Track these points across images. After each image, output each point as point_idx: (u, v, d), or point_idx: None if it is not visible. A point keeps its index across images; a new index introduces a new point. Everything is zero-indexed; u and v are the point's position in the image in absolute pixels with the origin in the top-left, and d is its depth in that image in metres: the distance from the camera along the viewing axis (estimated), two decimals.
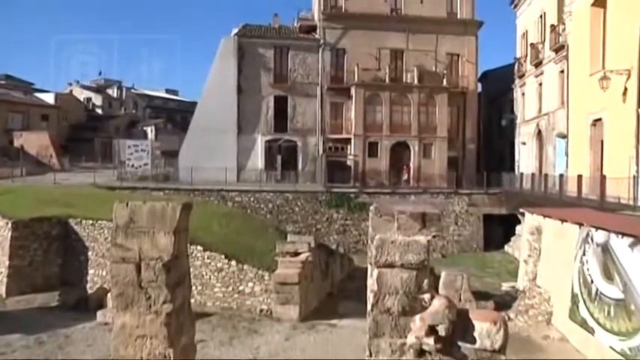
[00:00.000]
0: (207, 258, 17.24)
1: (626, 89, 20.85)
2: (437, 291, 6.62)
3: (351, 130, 38.53)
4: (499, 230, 33.75)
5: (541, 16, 33.48)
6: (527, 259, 18.38)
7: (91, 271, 19.46)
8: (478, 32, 41.40)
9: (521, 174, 33.92)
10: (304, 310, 15.40)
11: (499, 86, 43.74)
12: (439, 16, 40.59)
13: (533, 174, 31.68)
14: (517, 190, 32.53)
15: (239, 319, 14.94)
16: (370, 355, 5.20)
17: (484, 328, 4.88)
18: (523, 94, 37.34)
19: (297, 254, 16.73)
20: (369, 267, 5.71)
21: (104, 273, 18.47)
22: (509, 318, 14.73)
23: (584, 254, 13.52)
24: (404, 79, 39.72)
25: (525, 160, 36.39)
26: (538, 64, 33.42)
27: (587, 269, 13.20)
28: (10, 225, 18.89)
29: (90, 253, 19.68)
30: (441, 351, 4.88)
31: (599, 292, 12.50)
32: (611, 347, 11.73)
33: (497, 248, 33.05)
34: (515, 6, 38.62)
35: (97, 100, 73.06)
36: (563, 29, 28.52)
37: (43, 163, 43.62)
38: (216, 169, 33.27)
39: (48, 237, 19.82)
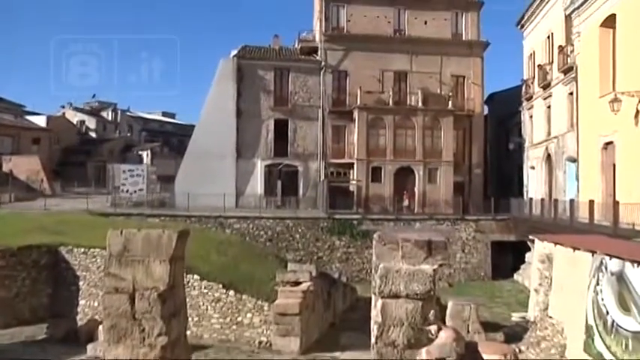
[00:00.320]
0: (205, 287, 17.16)
1: (637, 111, 20.93)
2: (444, 322, 6.58)
3: (353, 155, 38.62)
4: (508, 258, 33.56)
5: (548, 37, 33.77)
6: (538, 288, 18.23)
7: (81, 302, 19.35)
8: (484, 53, 41.80)
9: (530, 199, 33.85)
10: (305, 342, 15.27)
11: (506, 109, 43.94)
12: (444, 37, 41.05)
13: (542, 199, 31.63)
14: (526, 216, 32.43)
15: (237, 352, 14.82)
16: None
17: None
18: (531, 116, 37.47)
19: (297, 283, 16.65)
20: (372, 297, 5.68)
21: (96, 304, 18.35)
22: (520, 351, 14.57)
23: (597, 283, 13.40)
24: (408, 102, 39.93)
25: (534, 185, 36.36)
26: (546, 86, 33.61)
27: (602, 299, 13.08)
28: None
29: (81, 283, 19.60)
30: None
31: (615, 324, 12.34)
32: None
33: (506, 276, 32.82)
34: (522, 26, 39.01)
35: (91, 123, 73.46)
36: (572, 50, 28.75)
37: (34, 188, 43.60)
38: (214, 194, 33.18)
39: (36, 266, 19.72)
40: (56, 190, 45.46)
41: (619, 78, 23.08)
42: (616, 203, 20.35)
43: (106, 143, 68.18)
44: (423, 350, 4.98)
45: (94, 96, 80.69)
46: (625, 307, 12.01)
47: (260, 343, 15.92)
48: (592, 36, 25.59)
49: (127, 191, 36.98)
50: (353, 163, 38.55)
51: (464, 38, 41.66)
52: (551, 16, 33.14)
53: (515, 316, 21.21)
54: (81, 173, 54.60)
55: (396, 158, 38.20)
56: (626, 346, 11.82)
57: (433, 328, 5.07)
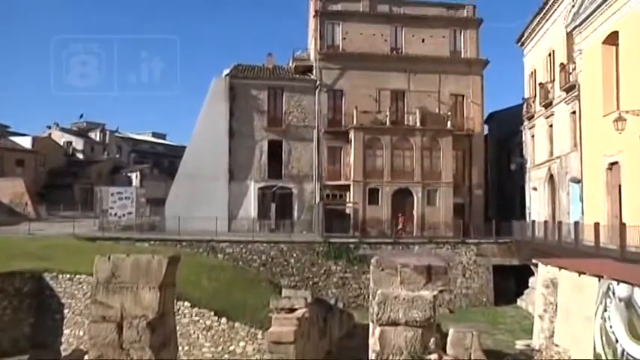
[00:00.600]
0: (196, 315, 17.04)
1: None
2: (444, 350, 6.54)
3: (349, 176, 38.67)
4: (511, 282, 33.45)
5: (550, 55, 34.12)
6: (543, 314, 18.14)
7: (66, 331, 19.16)
8: (483, 71, 42.11)
9: (533, 221, 33.85)
10: None
11: (507, 128, 44.21)
12: (442, 55, 41.41)
13: (545, 221, 31.63)
14: (529, 238, 32.40)
15: None
16: None
17: None
18: (533, 136, 37.69)
19: (292, 310, 16.51)
20: (370, 324, 5.65)
21: (81, 333, 18.18)
22: None
23: (605, 310, 13.34)
24: (405, 122, 40.13)
25: (537, 207, 36.42)
26: (548, 105, 33.86)
27: (610, 327, 13.00)
28: None
29: (66, 311, 19.42)
30: None
31: (625, 353, 12.22)
32: None
33: (509, 302, 32.68)
34: (522, 44, 39.43)
35: (78, 144, 73.43)
36: (574, 68, 29.03)
37: (17, 212, 43.44)
38: (206, 218, 33.06)
39: (19, 294, 19.53)
40: (41, 214, 45.28)
41: (623, 96, 23.29)
42: (622, 225, 20.36)
43: (93, 165, 68.12)
44: None
45: (81, 116, 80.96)
46: (635, 335, 11.89)
47: None
48: (594, 53, 25.88)
49: (116, 215, 36.84)
50: (349, 185, 38.57)
51: (463, 56, 42.01)
52: (552, 33, 33.53)
53: (520, 344, 21.05)
54: (67, 196, 54.41)
55: (393, 180, 38.24)
56: None
57: (434, 357, 5.04)
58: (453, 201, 38.61)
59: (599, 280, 13.83)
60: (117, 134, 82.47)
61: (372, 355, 5.27)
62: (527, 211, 38.24)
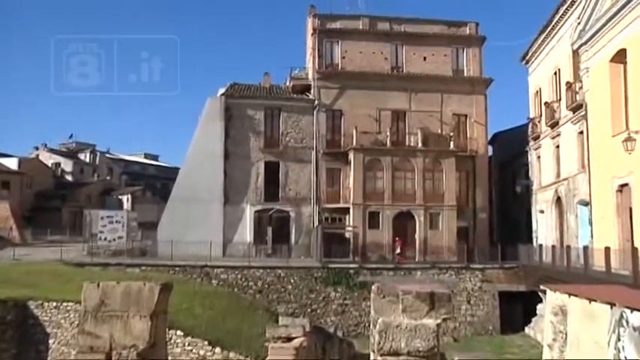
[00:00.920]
0: (189, 344, 16.91)
1: None
2: None
3: (349, 199, 38.65)
4: (518, 309, 33.26)
5: (555, 73, 34.35)
6: (552, 343, 17.96)
7: None
8: (487, 91, 42.37)
9: (540, 246, 33.80)
10: None
11: (512, 149, 44.32)
12: (444, 73, 41.69)
13: (553, 246, 31.57)
14: (536, 263, 32.33)
15: None
16: None
17: None
18: (539, 157, 37.78)
19: (290, 339, 16.36)
20: (371, 354, 5.60)
21: None
22: None
23: (619, 339, 13.18)
24: (407, 143, 40.25)
25: (544, 230, 36.38)
26: (554, 125, 33.99)
27: (625, 357, 12.89)
28: None
29: (51, 341, 19.24)
30: None
31: None
32: None
33: (517, 330, 32.47)
34: (527, 62, 39.71)
35: (67, 165, 73.55)
36: (580, 87, 29.18)
37: (1, 236, 43.29)
38: (200, 242, 32.95)
39: (1, 323, 19.32)
40: (27, 239, 45.14)
41: (632, 116, 23.37)
42: (635, 250, 20.29)
43: (83, 187, 68.13)
44: None
45: (71, 136, 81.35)
46: None
47: None
48: (601, 72, 26.02)
49: (106, 239, 36.72)
50: (349, 208, 38.54)
51: (465, 75, 42.31)
52: (558, 51, 33.80)
53: None
54: (55, 220, 54.32)
55: (394, 203, 38.22)
56: None
57: None
58: (456, 224, 38.57)
59: (612, 308, 13.72)
60: (108, 155, 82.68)
61: None
62: (534, 235, 38.17)
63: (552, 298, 18.94)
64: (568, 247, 28.72)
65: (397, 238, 36.83)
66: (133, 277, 22.03)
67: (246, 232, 39.06)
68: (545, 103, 35.42)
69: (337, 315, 32.50)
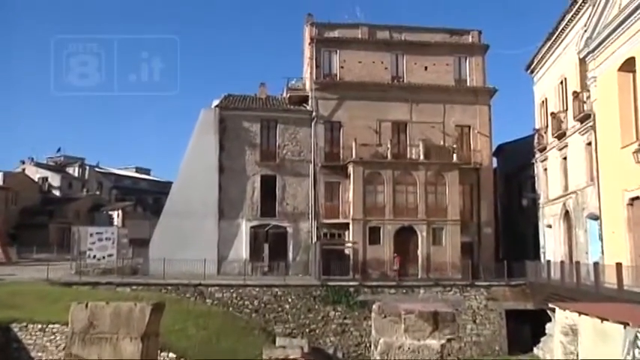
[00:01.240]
0: None
1: None
2: None
3: (348, 214, 38.62)
4: (526, 329, 33.12)
5: (562, 82, 34.45)
6: None
7: None
8: (491, 101, 42.47)
9: (548, 262, 33.73)
10: None
11: (517, 161, 44.40)
12: (446, 83, 41.83)
13: (562, 262, 31.51)
14: (544, 280, 32.24)
15: None
16: None
17: None
18: (545, 169, 37.82)
19: None
20: None
21: None
22: None
23: None
24: (408, 155, 40.27)
25: (552, 246, 36.33)
26: (561, 136, 34.06)
27: None
28: None
29: None
30: None
31: None
32: None
33: (525, 351, 32.29)
34: (532, 71, 39.86)
35: (55, 180, 73.56)
36: (588, 97, 29.27)
37: None
38: (194, 260, 32.85)
39: None
40: (12, 257, 45.02)
41: None
42: None
43: (71, 203, 68.13)
44: None
45: (59, 150, 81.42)
46: None
47: None
48: (610, 81, 26.11)
49: (95, 257, 36.61)
50: (348, 224, 38.49)
51: (468, 84, 42.46)
52: (564, 59, 33.94)
53: None
54: (42, 237, 54.25)
55: (396, 217, 38.18)
56: None
57: None
58: (460, 240, 38.48)
59: (625, 328, 13.67)
60: (97, 169, 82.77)
61: None
62: (542, 251, 38.12)
63: (562, 317, 18.90)
64: (577, 263, 28.68)
65: (395, 255, 36.78)
66: (124, 297, 21.91)
67: (241, 248, 38.96)
68: (552, 113, 35.51)
69: (337, 335, 32.34)
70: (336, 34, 42.30)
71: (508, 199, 47.41)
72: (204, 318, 22.16)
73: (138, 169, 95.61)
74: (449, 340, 5.20)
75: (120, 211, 66.84)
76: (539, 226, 39.03)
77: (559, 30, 33.88)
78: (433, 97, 41.24)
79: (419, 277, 36.82)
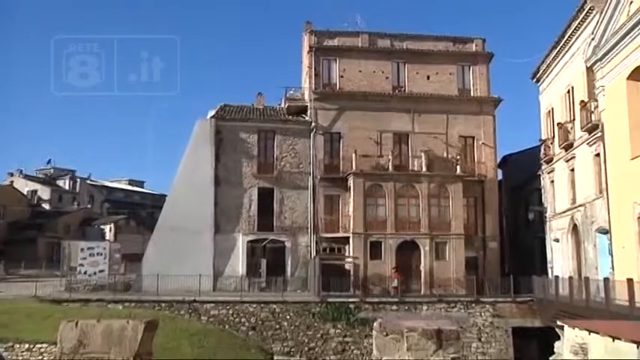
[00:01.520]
0: None
1: None
2: None
3: (349, 228, 38.58)
4: (533, 347, 33.07)
5: (568, 92, 34.47)
6: None
7: None
8: (495, 111, 42.54)
9: (556, 277, 33.63)
10: None
11: (523, 173, 44.38)
12: (449, 93, 41.93)
13: (570, 277, 31.40)
14: (552, 297, 32.11)
15: None
16: None
17: None
18: (552, 181, 37.82)
19: None
20: None
21: None
22: None
23: None
24: (410, 167, 40.30)
25: (560, 261, 36.24)
26: (568, 147, 34.06)
27: None
28: None
29: None
30: None
31: None
32: None
33: None
34: (538, 80, 39.93)
35: (44, 193, 73.56)
36: (596, 106, 29.27)
37: None
38: (188, 275, 32.93)
39: None
40: None
41: None
42: None
43: (61, 216, 68.06)
44: None
45: (49, 161, 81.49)
46: None
47: None
48: (618, 90, 26.13)
49: (86, 273, 36.59)
50: (348, 238, 38.44)
51: (472, 94, 42.51)
52: (571, 68, 33.99)
53: None
54: (30, 252, 54.17)
55: (397, 231, 38.14)
56: None
57: None
58: (464, 254, 38.45)
59: (638, 347, 13.61)
60: (89, 182, 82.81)
61: None
62: (549, 266, 38.01)
63: (571, 335, 18.84)
64: (586, 278, 28.56)
65: (394, 270, 36.69)
66: (115, 315, 21.82)
67: (238, 264, 38.88)
68: (558, 123, 35.53)
69: (337, 354, 32.25)
70: (335, 42, 42.45)
71: (514, 212, 47.36)
72: (199, 336, 22.08)
73: (131, 182, 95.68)
74: (453, 359, 5.17)
75: (112, 225, 66.79)
76: (547, 241, 38.97)
77: (565, 38, 33.95)
78: (436, 107, 41.31)
79: (422, 293, 36.76)
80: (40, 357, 18.73)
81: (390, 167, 39.70)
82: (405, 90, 41.95)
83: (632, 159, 24.41)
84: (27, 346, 19.29)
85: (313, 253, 39.03)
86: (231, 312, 32.23)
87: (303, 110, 41.82)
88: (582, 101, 31.47)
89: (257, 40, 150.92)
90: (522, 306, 34.15)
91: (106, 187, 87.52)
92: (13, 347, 19.52)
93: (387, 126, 40.85)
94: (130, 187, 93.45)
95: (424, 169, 39.50)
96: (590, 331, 16.70)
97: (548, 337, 31.26)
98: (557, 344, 29.42)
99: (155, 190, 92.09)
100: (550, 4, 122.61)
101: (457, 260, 38.13)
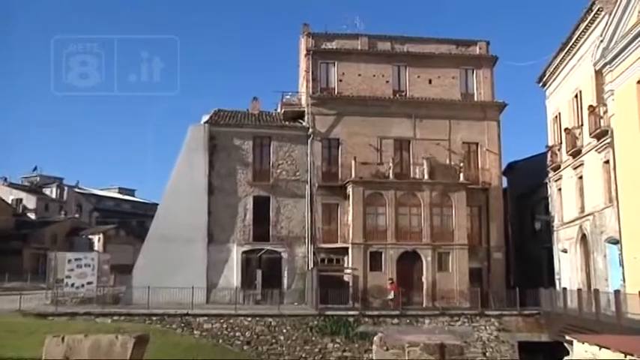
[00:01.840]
0: None
1: None
2: None
3: (348, 238, 38.58)
4: None
5: (576, 96, 34.48)
6: None
7: None
8: (500, 116, 42.57)
9: (564, 289, 33.59)
10: None
11: (529, 181, 44.42)
12: (452, 98, 42.02)
13: (579, 290, 31.34)
14: (560, 310, 32.05)
15: None
16: None
17: None
18: (559, 189, 37.82)
19: None
20: None
21: None
22: None
23: None
24: (411, 175, 40.35)
25: (568, 272, 36.21)
26: (576, 154, 34.05)
27: None
28: None
29: None
30: None
31: None
32: None
33: None
34: (544, 84, 39.97)
35: (30, 201, 73.51)
36: (605, 111, 29.26)
37: None
38: (181, 287, 32.95)
39: None
40: None
41: None
42: None
43: (47, 226, 68.03)
44: None
45: (35, 169, 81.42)
46: None
47: None
48: (629, 94, 26.12)
49: (73, 285, 36.45)
50: (347, 248, 38.44)
51: (476, 99, 42.61)
52: (578, 71, 34.00)
53: None
54: (15, 264, 54.03)
55: (398, 241, 38.15)
56: None
57: None
58: (468, 265, 38.46)
59: None
60: (76, 190, 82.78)
61: None
62: (557, 277, 38.00)
63: (580, 350, 18.74)
64: (596, 291, 28.47)
65: (390, 281, 36.64)
66: (104, 329, 21.73)
67: (232, 275, 38.83)
68: (566, 129, 35.53)
69: None
70: (334, 45, 42.53)
71: (519, 222, 47.39)
72: (191, 351, 22.00)
73: (121, 190, 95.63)
74: None
75: (101, 235, 66.76)
76: (554, 251, 38.95)
77: (573, 40, 33.98)
78: (438, 112, 41.39)
79: (424, 305, 36.78)
80: None
81: (391, 175, 39.68)
82: (406, 94, 42.03)
83: None
84: None
85: (311, 264, 38.97)
86: (225, 326, 32.16)
87: (300, 115, 41.85)
88: (591, 106, 31.45)
89: (252, 43, 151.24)
90: (529, 319, 34.10)
91: (95, 195, 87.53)
92: None
93: (388, 132, 40.88)
94: (119, 196, 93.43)
95: (426, 176, 39.51)
96: (600, 347, 16.62)
97: (555, 352, 31.10)
98: (565, 359, 29.37)
99: (146, 198, 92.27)
100: (557, 5, 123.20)
101: (460, 271, 38.11)
